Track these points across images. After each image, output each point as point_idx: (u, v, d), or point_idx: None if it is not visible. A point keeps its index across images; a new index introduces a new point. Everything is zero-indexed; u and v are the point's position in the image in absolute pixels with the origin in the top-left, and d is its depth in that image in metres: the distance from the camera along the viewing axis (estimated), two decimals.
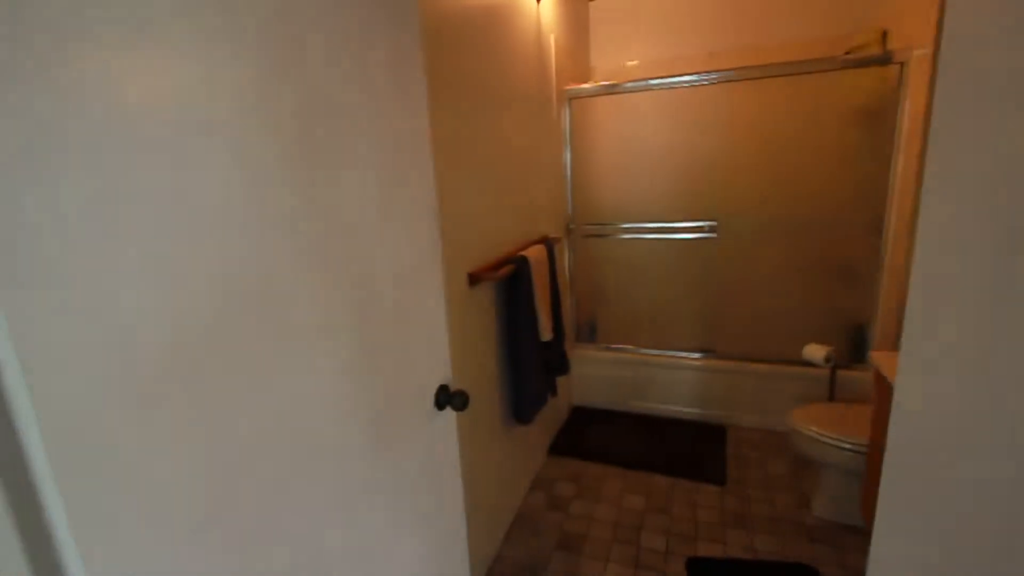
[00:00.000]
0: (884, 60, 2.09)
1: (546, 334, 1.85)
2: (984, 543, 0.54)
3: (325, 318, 0.75)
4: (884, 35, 2.28)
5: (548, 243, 2.04)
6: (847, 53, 2.42)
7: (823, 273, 2.39)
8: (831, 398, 2.28)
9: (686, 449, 2.39)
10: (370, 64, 0.84)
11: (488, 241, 1.66)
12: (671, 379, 2.67)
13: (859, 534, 1.81)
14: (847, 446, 1.77)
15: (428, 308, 1.08)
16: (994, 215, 0.48)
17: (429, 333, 1.08)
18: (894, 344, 2.10)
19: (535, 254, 1.83)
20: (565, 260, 2.71)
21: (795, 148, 2.32)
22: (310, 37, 0.70)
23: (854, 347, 2.39)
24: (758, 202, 2.41)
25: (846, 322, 2.40)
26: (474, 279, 1.53)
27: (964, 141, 0.57)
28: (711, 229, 2.47)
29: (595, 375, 2.79)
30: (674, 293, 2.63)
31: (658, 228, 2.58)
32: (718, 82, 2.36)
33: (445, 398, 1.11)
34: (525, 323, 1.74)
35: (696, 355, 2.62)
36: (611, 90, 2.50)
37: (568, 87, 2.53)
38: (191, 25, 0.52)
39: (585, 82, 2.71)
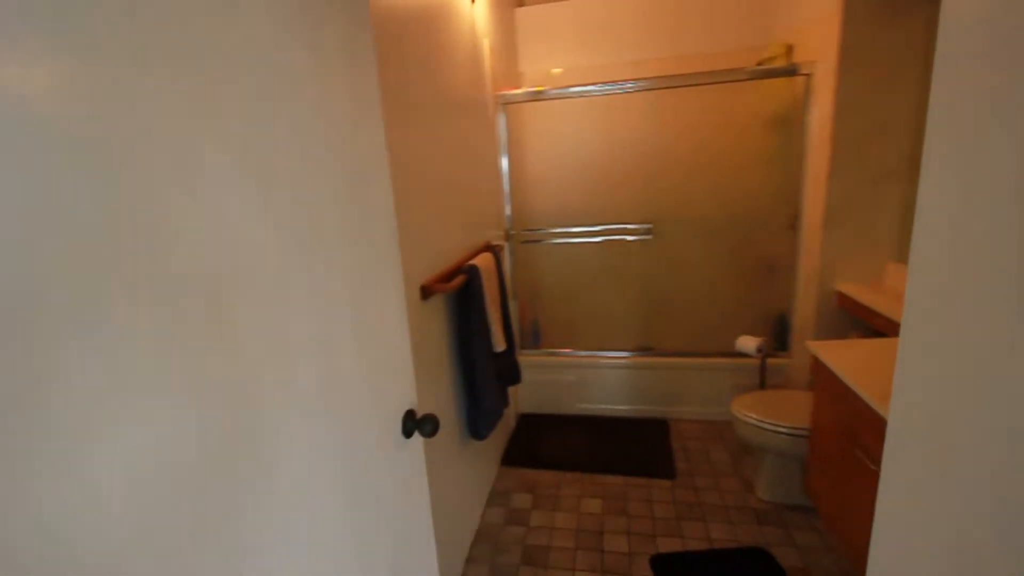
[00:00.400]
0: (791, 72, 2.27)
1: (500, 344, 1.80)
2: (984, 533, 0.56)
3: (283, 348, 0.65)
4: (789, 49, 2.48)
5: (494, 250, 1.99)
6: (758, 64, 2.61)
7: (749, 268, 2.55)
8: (762, 386, 2.43)
9: (634, 447, 2.44)
10: (322, 50, 0.75)
11: (437, 251, 1.58)
12: (614, 379, 2.72)
13: (802, 511, 1.93)
14: (784, 430, 1.88)
15: (392, 328, 0.99)
16: (992, 206, 0.50)
17: (393, 355, 0.99)
18: (813, 331, 2.28)
19: (484, 262, 1.77)
20: (507, 266, 2.68)
21: (718, 152, 2.46)
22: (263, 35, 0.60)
23: (779, 336, 2.57)
24: (689, 204, 2.52)
25: (770, 313, 2.57)
26: (426, 292, 1.44)
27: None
28: (647, 231, 2.55)
29: (540, 381, 2.78)
30: (614, 294, 2.69)
31: (596, 231, 2.62)
32: (643, 90, 2.44)
33: (413, 424, 1.02)
34: (479, 335, 1.68)
35: (637, 354, 2.69)
36: (543, 96, 2.50)
37: (502, 92, 2.50)
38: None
39: (516, 88, 2.70)
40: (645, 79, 2.41)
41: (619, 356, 2.70)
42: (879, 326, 1.89)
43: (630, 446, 2.45)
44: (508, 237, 2.67)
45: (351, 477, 0.80)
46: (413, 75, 1.44)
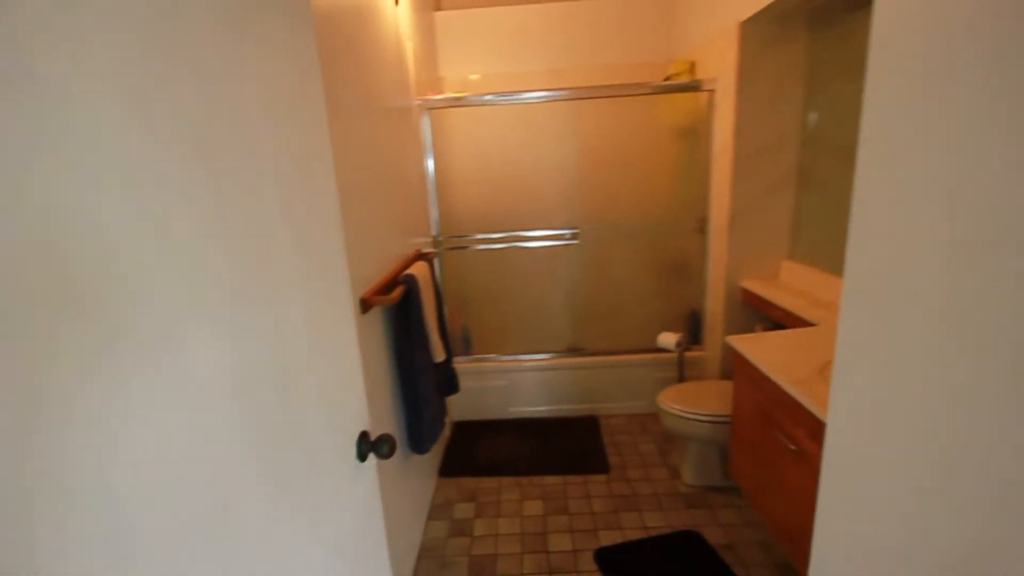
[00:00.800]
0: (695, 87, 2.47)
1: (439, 355, 1.76)
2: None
3: (235, 374, 0.59)
4: (692, 66, 2.70)
5: (428, 258, 1.95)
6: (666, 79, 2.81)
7: (664, 269, 2.74)
8: (681, 378, 2.62)
9: (569, 445, 2.51)
10: (268, 44, 0.70)
11: (375, 261, 1.52)
12: (545, 381, 2.78)
13: (723, 492, 2.10)
14: (706, 418, 2.04)
15: (343, 346, 0.94)
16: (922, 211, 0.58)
17: (345, 375, 0.94)
18: (723, 325, 2.49)
19: (420, 271, 1.73)
20: (436, 274, 2.63)
21: (635, 160, 2.61)
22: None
23: (693, 331, 2.78)
24: (610, 209, 2.65)
25: (684, 309, 2.78)
26: (366, 305, 1.38)
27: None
28: (573, 236, 2.64)
29: (473, 388, 2.77)
30: (542, 298, 2.75)
31: (524, 237, 2.67)
32: (559, 100, 2.52)
33: (368, 447, 0.97)
34: (419, 346, 1.63)
35: (566, 355, 2.77)
36: (464, 102, 2.50)
37: (426, 97, 2.46)
38: None
39: (438, 93, 2.67)
40: (560, 90, 2.50)
41: (549, 358, 2.76)
42: (779, 318, 2.11)
43: (565, 445, 2.51)
44: (436, 244, 2.63)
45: (307, 511, 0.74)
46: (343, 75, 1.37)
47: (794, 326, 1.99)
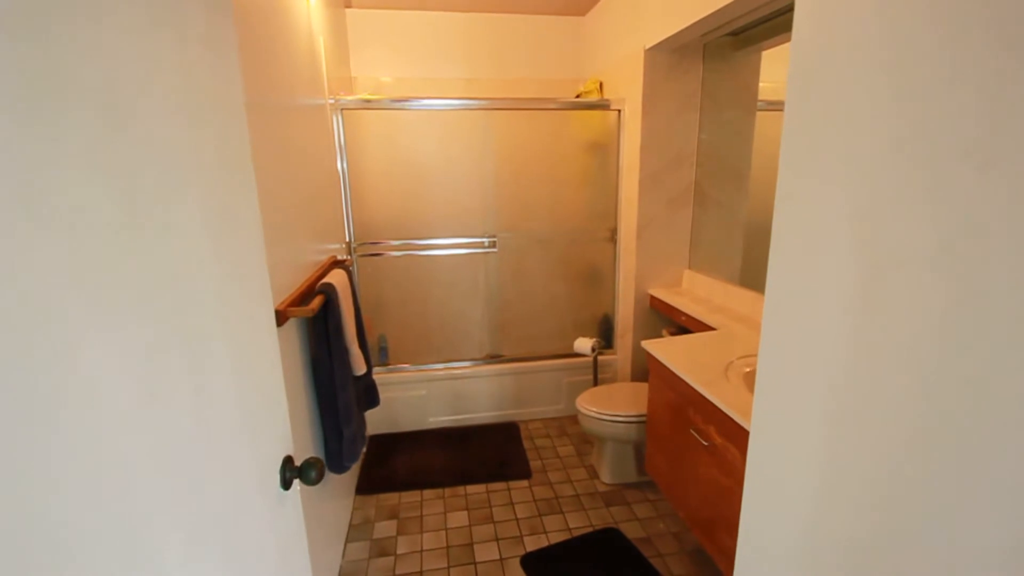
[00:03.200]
0: (603, 106, 2.62)
1: (360, 367, 1.68)
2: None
3: (150, 401, 0.53)
4: (601, 85, 2.86)
5: (345, 266, 1.85)
6: (577, 96, 2.94)
7: (578, 276, 2.85)
8: (596, 382, 2.74)
9: (491, 453, 2.51)
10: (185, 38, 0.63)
11: (291, 270, 1.41)
12: (465, 389, 2.76)
13: (637, 488, 2.22)
14: (621, 419, 2.15)
15: (265, 364, 0.86)
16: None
17: (268, 396, 0.86)
18: (633, 329, 2.65)
19: (339, 280, 1.64)
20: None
21: (549, 171, 2.70)
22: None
23: (605, 335, 2.92)
24: (526, 218, 2.70)
25: (597, 315, 2.91)
26: (282, 317, 1.27)
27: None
28: (491, 244, 2.66)
29: (390, 399, 2.67)
30: (460, 306, 2.73)
31: (441, 244, 2.63)
32: (476, 108, 2.54)
33: (293, 472, 0.90)
34: (339, 359, 1.54)
35: (485, 362, 2.78)
36: (377, 105, 2.43)
37: (339, 96, 2.35)
38: None
39: (351, 93, 2.56)
40: (476, 99, 2.52)
41: (468, 366, 2.75)
42: (683, 322, 2.29)
43: (487, 453, 2.51)
44: (351, 250, 2.51)
45: (225, 549, 0.67)
46: (258, 69, 1.26)
47: (697, 329, 2.17)
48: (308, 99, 1.80)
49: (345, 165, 2.43)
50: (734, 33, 2.26)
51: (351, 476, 2.21)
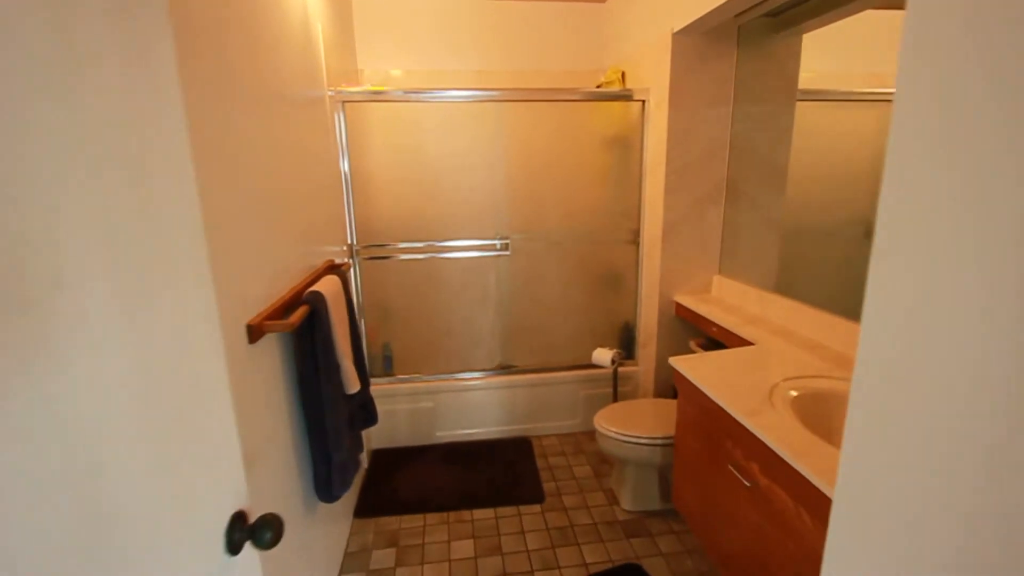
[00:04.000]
0: (626, 97, 2.41)
1: (353, 384, 1.51)
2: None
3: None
4: (623, 76, 2.65)
5: (340, 272, 1.69)
6: (597, 87, 2.74)
7: (597, 281, 2.64)
8: (615, 397, 2.53)
9: (501, 472, 2.33)
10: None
11: (269, 278, 1.25)
12: (475, 402, 2.58)
13: (661, 517, 2.02)
14: (644, 441, 1.94)
15: (206, 395, 0.69)
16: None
17: (212, 438, 0.69)
18: (656, 340, 2.44)
19: (329, 287, 1.47)
20: (352, 287, 2.35)
21: (567, 168, 2.50)
22: None
23: (626, 345, 2.71)
24: (542, 219, 2.51)
25: (617, 323, 2.70)
26: (256, 332, 1.11)
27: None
28: (504, 246, 2.48)
29: (395, 411, 2.51)
30: (471, 313, 2.55)
31: (451, 247, 2.46)
32: (489, 100, 2.36)
33: (244, 533, 0.73)
34: (327, 376, 1.38)
35: (497, 373, 2.59)
36: (385, 97, 2.26)
37: (341, 88, 2.19)
38: None
39: (356, 86, 2.41)
40: (490, 90, 2.34)
41: (478, 377, 2.57)
42: (715, 334, 2.08)
43: (496, 472, 2.33)
44: (353, 254, 2.35)
45: None
46: (237, 60, 1.10)
47: (730, 342, 1.95)
48: (301, 90, 1.64)
49: (347, 162, 2.27)
50: (773, 13, 2.04)
51: (350, 496, 2.06)
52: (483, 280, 2.52)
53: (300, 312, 1.24)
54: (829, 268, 1.92)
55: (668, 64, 2.14)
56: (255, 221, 1.18)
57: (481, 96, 2.34)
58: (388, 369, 2.55)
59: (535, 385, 2.60)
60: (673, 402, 2.18)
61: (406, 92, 2.29)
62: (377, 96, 2.26)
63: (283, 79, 1.45)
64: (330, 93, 2.11)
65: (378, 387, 2.46)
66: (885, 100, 1.68)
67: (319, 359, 1.35)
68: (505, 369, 2.61)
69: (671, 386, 2.50)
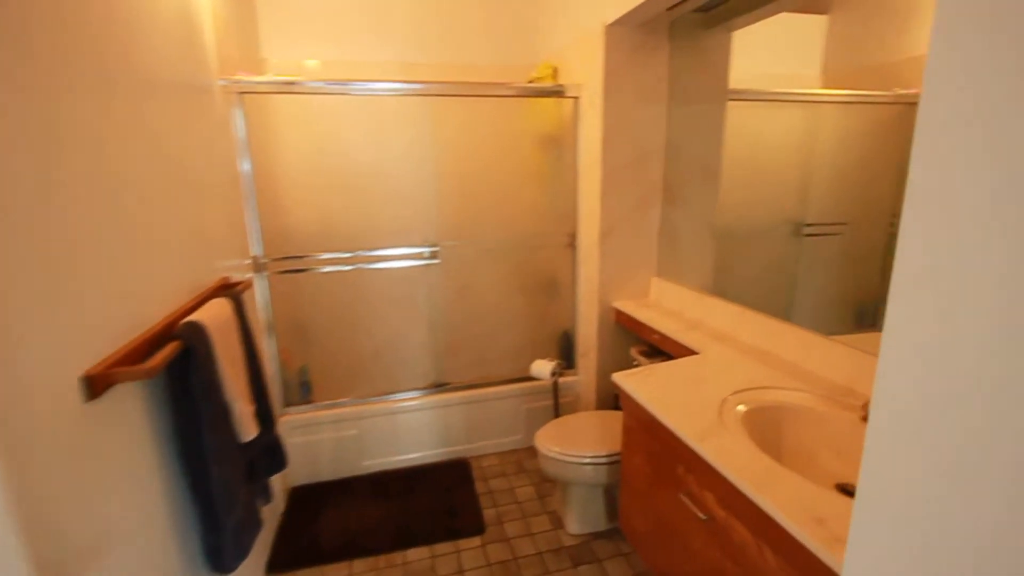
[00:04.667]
0: (559, 93, 2.29)
1: (249, 430, 1.26)
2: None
3: None
4: (555, 71, 2.53)
5: (233, 292, 1.43)
6: (530, 83, 2.60)
7: (535, 289, 2.51)
8: (557, 412, 2.40)
9: (437, 501, 2.13)
10: None
11: (123, 309, 0.98)
12: (407, 425, 2.36)
13: (609, 537, 1.91)
14: (588, 460, 1.82)
15: None
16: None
17: None
18: (597, 348, 2.33)
19: (214, 314, 1.22)
20: (259, 307, 2.06)
21: (498, 170, 2.35)
22: None
23: (565, 354, 2.59)
24: (473, 224, 2.34)
25: (555, 332, 2.58)
26: (99, 383, 0.86)
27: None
28: (433, 254, 2.28)
29: (315, 442, 2.24)
30: (399, 328, 2.33)
31: (375, 256, 2.23)
32: (420, 94, 2.16)
33: None
34: (212, 426, 1.12)
35: (430, 392, 2.39)
36: (297, 88, 2.00)
37: (237, 77, 1.90)
38: None
39: (258, 75, 2.11)
40: (415, 83, 2.14)
41: (409, 398, 2.35)
42: (656, 341, 1.99)
43: (431, 502, 2.12)
44: (259, 267, 2.06)
45: None
46: (78, 47, 0.84)
47: (672, 350, 1.88)
48: (175, 77, 1.36)
49: (248, 163, 1.98)
50: (704, 9, 1.99)
51: (261, 549, 1.78)
52: (411, 292, 2.31)
53: (166, 352, 0.99)
54: (761, 269, 1.91)
55: (601, 59, 2.03)
56: (103, 233, 0.92)
57: (407, 90, 2.13)
58: (306, 395, 2.28)
59: (472, 402, 2.42)
60: (617, 414, 2.08)
61: (321, 83, 2.04)
62: (286, 87, 1.99)
63: (152, 61, 1.18)
64: (223, 82, 1.82)
65: (294, 416, 2.19)
66: (807, 101, 1.67)
67: (200, 406, 1.10)
68: (439, 387, 2.41)
69: (614, 395, 2.41)
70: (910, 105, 1.34)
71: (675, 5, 1.86)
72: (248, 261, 1.99)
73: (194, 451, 1.13)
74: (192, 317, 1.13)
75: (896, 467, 0.49)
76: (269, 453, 1.48)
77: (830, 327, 1.54)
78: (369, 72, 2.67)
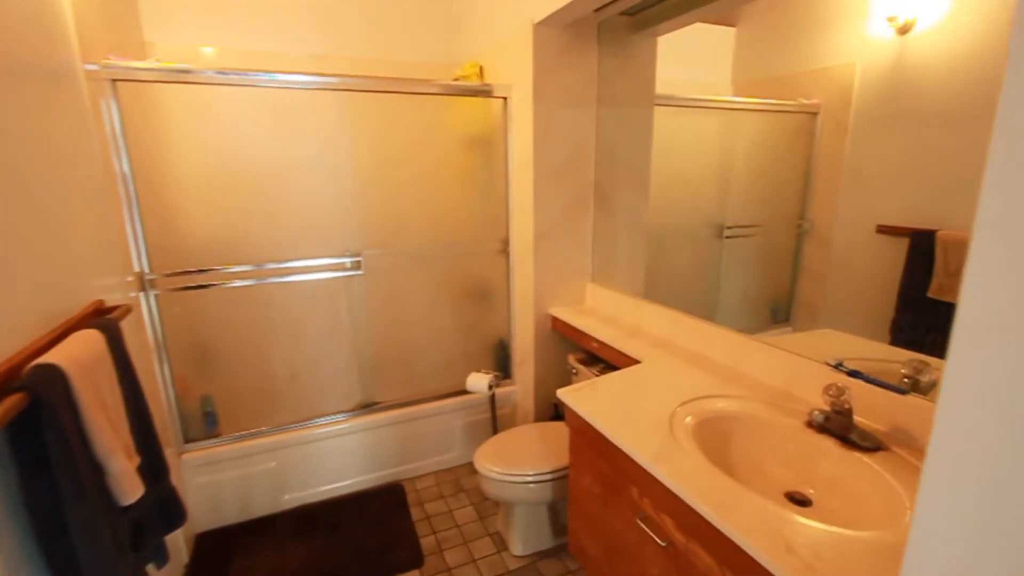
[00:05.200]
0: (486, 92, 2.19)
1: (132, 490, 1.03)
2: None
3: None
4: (481, 70, 2.42)
5: (106, 322, 1.18)
6: (455, 80, 2.47)
7: (467, 297, 2.39)
8: (495, 427, 2.30)
9: (368, 534, 1.95)
10: None
11: None
12: (332, 451, 2.15)
13: (555, 556, 1.83)
14: (531, 479, 1.74)
15: None
16: None
17: None
18: (534, 357, 2.26)
19: (78, 351, 0.98)
20: (146, 331, 1.77)
21: (426, 172, 2.20)
22: None
23: (501, 363, 2.49)
24: (399, 231, 2.17)
25: (491, 341, 2.48)
26: None
27: None
28: (355, 265, 2.08)
29: (224, 480, 1.97)
30: (320, 346, 2.11)
31: (287, 269, 1.99)
32: (335, 88, 1.96)
33: None
34: (77, 494, 0.89)
35: (357, 413, 2.19)
36: (190, 76, 1.73)
37: (108, 61, 1.61)
38: None
39: (138, 60, 1.81)
40: (333, 76, 1.94)
41: (335, 421, 2.14)
42: (595, 349, 1.95)
43: (363, 535, 1.94)
44: (145, 286, 1.77)
45: None
46: None
47: (612, 358, 1.84)
48: (20, 59, 1.09)
49: (127, 161, 1.69)
50: (630, 12, 1.97)
51: None
52: (332, 306, 2.10)
53: (3, 409, 0.76)
54: (689, 271, 1.95)
55: (531, 58, 1.96)
56: None
57: (321, 83, 1.92)
58: (212, 428, 1.99)
59: (403, 421, 2.26)
60: (558, 425, 2.01)
61: (219, 73, 1.78)
62: (175, 75, 1.72)
63: None
64: (91, 67, 1.53)
65: (197, 454, 1.91)
66: (724, 108, 1.76)
67: (58, 472, 0.87)
68: (367, 408, 2.22)
69: (553, 404, 2.35)
70: (811, 115, 1.41)
71: (602, 7, 1.82)
72: (131, 279, 1.69)
73: (55, 528, 0.89)
74: (44, 359, 0.89)
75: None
76: (162, 509, 1.24)
77: (751, 324, 1.60)
78: (276, 64, 2.41)
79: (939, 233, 1.11)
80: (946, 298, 1.11)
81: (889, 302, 1.22)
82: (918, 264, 1.15)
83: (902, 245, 1.19)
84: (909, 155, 1.16)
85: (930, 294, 1.13)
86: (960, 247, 1.07)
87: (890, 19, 1.18)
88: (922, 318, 1.15)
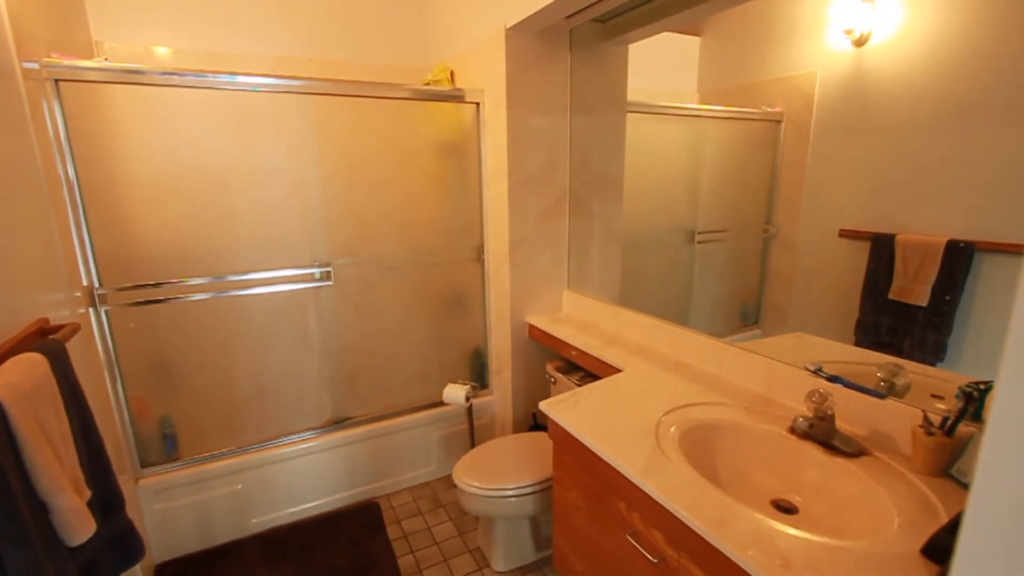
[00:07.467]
0: (458, 97, 2.15)
1: (81, 528, 0.94)
2: None
3: None
4: (452, 75, 2.38)
5: (50, 343, 1.07)
6: (426, 85, 2.42)
7: (442, 307, 2.33)
8: (473, 440, 2.24)
9: (343, 557, 1.86)
10: None
11: None
12: (303, 470, 2.05)
13: (537, 569, 1.80)
14: (511, 493, 1.69)
15: None
16: None
17: None
18: (511, 366, 2.22)
19: (16, 378, 0.89)
20: (97, 350, 1.64)
21: (397, 179, 2.13)
22: None
23: (479, 374, 2.44)
24: (371, 239, 2.10)
25: (467, 350, 2.42)
26: None
27: None
28: (325, 275, 2.00)
29: (185, 506, 1.85)
30: (288, 361, 2.02)
31: (252, 280, 1.90)
32: (301, 92, 1.88)
33: None
34: (17, 539, 0.80)
35: (329, 430, 2.10)
36: (143, 77, 1.63)
37: (50, 60, 1.49)
38: None
39: (83, 59, 1.68)
40: (298, 79, 1.86)
41: (305, 439, 2.05)
42: (574, 357, 1.93)
43: (337, 559, 1.85)
44: (95, 301, 1.65)
45: None
46: None
47: (592, 367, 1.82)
48: None
49: (72, 167, 1.57)
50: (602, 19, 1.97)
51: None
52: (301, 318, 2.01)
53: None
54: (663, 276, 1.97)
55: (503, 63, 1.93)
56: None
57: (285, 86, 1.84)
58: (171, 452, 1.87)
59: (378, 436, 2.18)
60: (538, 435, 1.98)
61: (174, 74, 1.67)
62: (125, 76, 1.61)
63: None
64: (30, 66, 1.41)
65: (155, 479, 1.79)
66: (692, 115, 1.79)
67: None
68: (339, 423, 2.13)
69: (532, 414, 2.32)
70: (775, 123, 1.44)
71: (574, 13, 1.81)
72: (79, 294, 1.57)
73: None
74: None
75: None
76: (117, 545, 1.14)
77: (722, 327, 1.62)
78: (237, 65, 2.31)
79: (899, 237, 1.14)
80: (906, 299, 1.13)
81: (853, 304, 1.24)
82: (879, 267, 1.17)
83: (864, 248, 1.21)
84: (868, 161, 1.19)
85: (891, 296, 1.16)
86: (918, 250, 1.10)
87: (847, 31, 1.20)
88: (884, 319, 1.17)
